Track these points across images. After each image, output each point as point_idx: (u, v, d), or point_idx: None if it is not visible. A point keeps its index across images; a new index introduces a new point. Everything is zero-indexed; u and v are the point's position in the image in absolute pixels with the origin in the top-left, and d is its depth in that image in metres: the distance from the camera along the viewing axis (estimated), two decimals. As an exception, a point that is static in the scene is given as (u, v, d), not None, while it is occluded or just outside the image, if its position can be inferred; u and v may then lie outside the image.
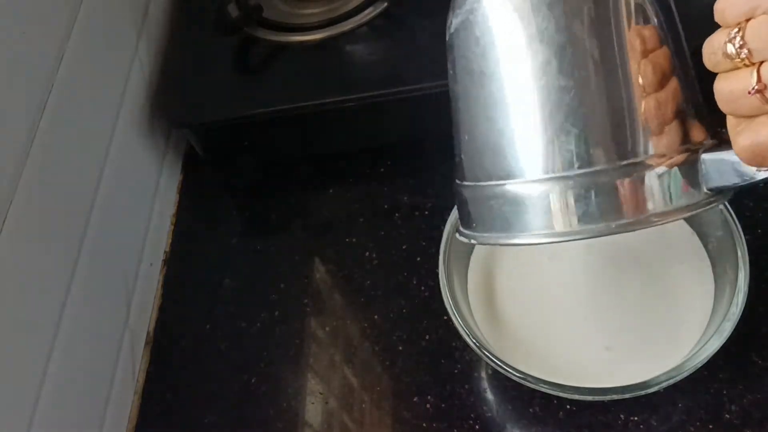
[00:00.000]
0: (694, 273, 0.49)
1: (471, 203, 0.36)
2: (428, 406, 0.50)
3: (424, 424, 0.49)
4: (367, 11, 0.60)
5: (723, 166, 0.31)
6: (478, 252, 0.52)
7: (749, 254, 0.44)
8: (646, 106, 0.31)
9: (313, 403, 0.52)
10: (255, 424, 0.52)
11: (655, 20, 0.31)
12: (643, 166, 0.31)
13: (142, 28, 0.62)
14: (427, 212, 0.59)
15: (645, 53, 0.31)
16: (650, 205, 0.31)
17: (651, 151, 0.31)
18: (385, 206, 0.60)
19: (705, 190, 0.32)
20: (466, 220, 0.37)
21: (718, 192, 0.32)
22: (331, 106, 0.56)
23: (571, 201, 0.31)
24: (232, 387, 0.53)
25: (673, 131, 0.31)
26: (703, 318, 0.47)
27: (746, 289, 0.43)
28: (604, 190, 0.31)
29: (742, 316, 0.42)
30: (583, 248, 0.51)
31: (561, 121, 0.31)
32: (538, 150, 0.32)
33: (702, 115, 0.32)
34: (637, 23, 0.31)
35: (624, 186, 0.31)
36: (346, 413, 0.51)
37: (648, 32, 0.31)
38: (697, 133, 0.32)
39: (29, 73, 0.46)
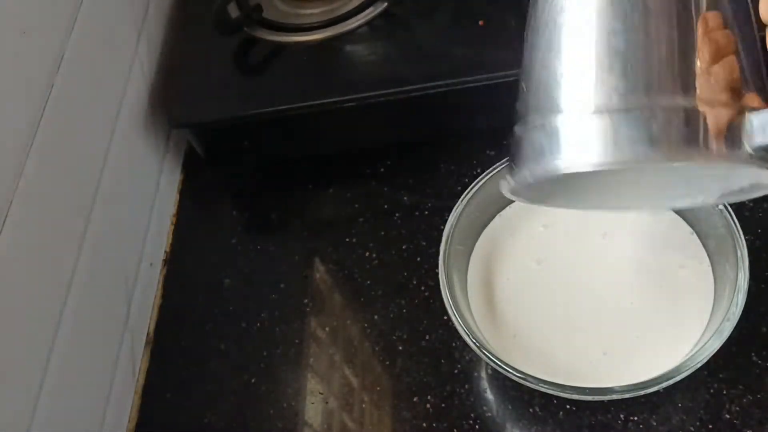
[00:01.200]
0: (694, 273, 0.49)
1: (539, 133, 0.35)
2: (428, 406, 0.50)
3: (424, 424, 0.49)
4: (367, 11, 0.60)
5: (766, 121, 0.31)
6: (478, 252, 0.52)
7: (749, 254, 0.44)
8: (710, 49, 0.31)
9: (313, 403, 0.52)
10: (255, 424, 0.52)
11: None
12: (691, 109, 0.31)
13: (142, 28, 0.62)
14: (427, 212, 0.59)
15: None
16: (694, 145, 0.31)
17: (704, 95, 0.31)
18: (385, 206, 0.60)
19: (747, 149, 0.31)
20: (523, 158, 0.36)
21: (762, 150, 0.32)
22: (331, 106, 0.56)
23: (624, 130, 0.31)
24: (232, 387, 0.53)
25: (725, 83, 0.31)
26: (703, 318, 0.47)
27: (746, 289, 0.43)
28: (668, 118, 0.31)
29: (742, 316, 0.42)
30: (583, 247, 0.51)
31: (616, 58, 0.32)
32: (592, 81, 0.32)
33: (760, 84, 0.33)
34: None
35: (674, 120, 0.31)
36: (346, 413, 0.51)
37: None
38: (750, 98, 0.32)
39: (29, 72, 0.46)
